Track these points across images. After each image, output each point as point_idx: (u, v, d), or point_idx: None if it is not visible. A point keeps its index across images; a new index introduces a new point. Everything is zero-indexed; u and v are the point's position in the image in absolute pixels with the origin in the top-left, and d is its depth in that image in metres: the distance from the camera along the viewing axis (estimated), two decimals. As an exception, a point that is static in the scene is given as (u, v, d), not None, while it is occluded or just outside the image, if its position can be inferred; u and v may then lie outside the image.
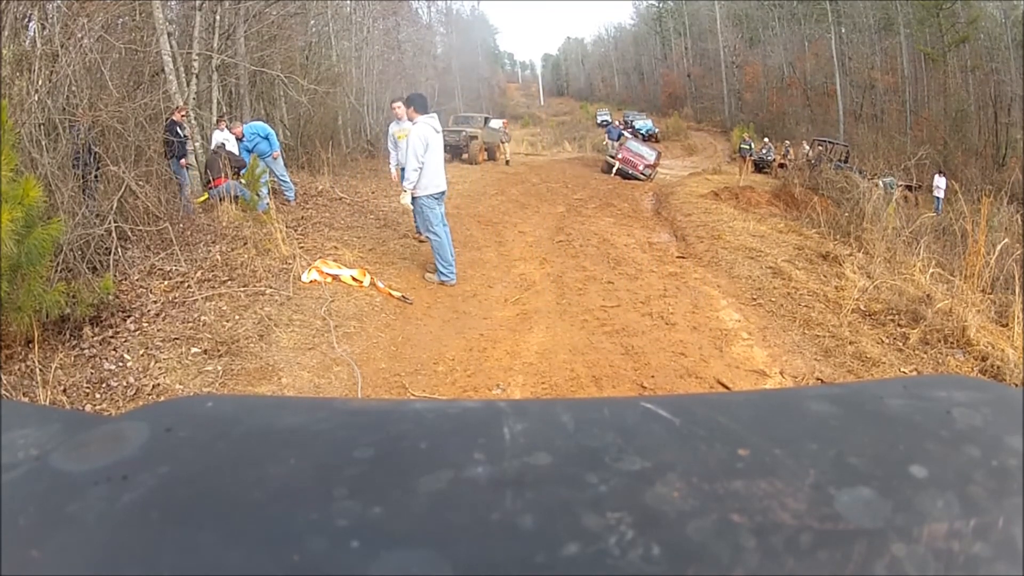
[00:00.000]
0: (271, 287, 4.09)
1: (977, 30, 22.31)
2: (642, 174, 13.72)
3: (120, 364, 3.11)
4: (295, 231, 5.52)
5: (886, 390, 0.36)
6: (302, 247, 4.97)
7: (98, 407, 2.79)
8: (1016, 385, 2.70)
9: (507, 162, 14.61)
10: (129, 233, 4.54)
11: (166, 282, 4.08)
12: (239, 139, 6.80)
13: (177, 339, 3.35)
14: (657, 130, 26.64)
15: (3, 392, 2.74)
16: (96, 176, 4.85)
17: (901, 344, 3.86)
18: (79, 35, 5.43)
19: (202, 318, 3.59)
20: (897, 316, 4.24)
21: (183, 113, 6.40)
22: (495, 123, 15.60)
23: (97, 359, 3.15)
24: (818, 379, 3.35)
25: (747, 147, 19.47)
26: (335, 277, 4.33)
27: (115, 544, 0.24)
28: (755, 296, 4.66)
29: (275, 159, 7.01)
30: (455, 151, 12.81)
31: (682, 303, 4.39)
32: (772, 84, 30.47)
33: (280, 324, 3.62)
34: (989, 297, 4.74)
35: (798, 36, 29.26)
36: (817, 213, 7.74)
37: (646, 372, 3.29)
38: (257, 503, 0.26)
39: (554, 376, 3.20)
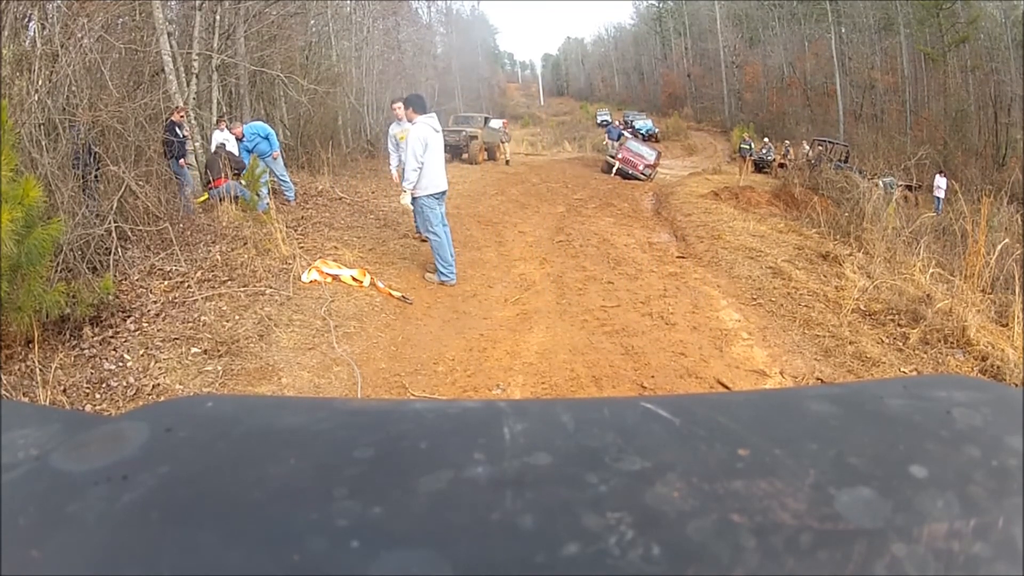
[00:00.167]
0: (271, 287, 4.09)
1: (977, 30, 22.30)
2: (642, 174, 13.72)
3: (120, 364, 3.11)
4: (295, 231, 5.52)
5: (886, 390, 0.36)
6: (302, 247, 4.97)
7: (98, 407, 2.79)
8: (1016, 385, 2.70)
9: (507, 162, 14.61)
10: (129, 233, 4.54)
11: (166, 282, 4.08)
12: (239, 139, 6.81)
13: (177, 339, 3.35)
14: (657, 130, 26.64)
15: (3, 392, 2.74)
16: (96, 176, 4.85)
17: (901, 344, 3.86)
18: (79, 35, 5.43)
19: (202, 318, 3.59)
20: (897, 316, 4.24)
21: (182, 113, 6.40)
22: (495, 123, 15.60)
23: (97, 359, 3.15)
24: (818, 379, 3.35)
25: (747, 147, 19.48)
26: (335, 277, 4.33)
27: (115, 544, 0.24)
28: (755, 296, 4.66)
29: (275, 159, 7.01)
30: (455, 151, 12.81)
31: (682, 303, 4.39)
32: (772, 84, 30.47)
33: (280, 324, 3.62)
34: (989, 297, 4.74)
35: (798, 36, 29.26)
36: (817, 213, 7.74)
37: (646, 372, 3.29)
38: (257, 503, 0.26)
39: (554, 376, 3.20)
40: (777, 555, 0.24)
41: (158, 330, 3.44)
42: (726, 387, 3.17)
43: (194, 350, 3.27)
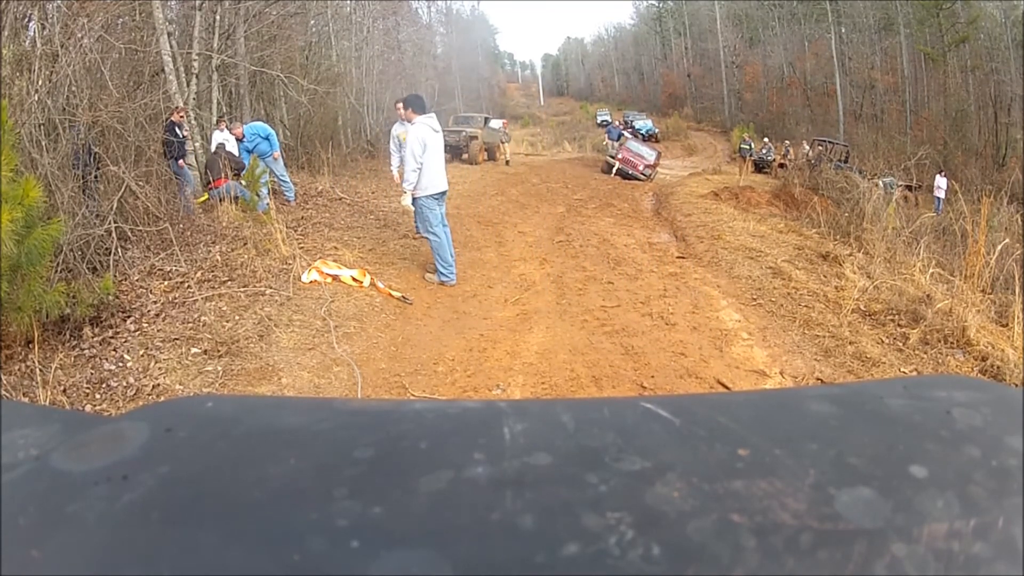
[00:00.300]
0: (271, 287, 4.09)
1: (977, 30, 22.31)
2: (642, 174, 13.72)
3: (120, 364, 3.11)
4: (295, 231, 5.53)
5: (886, 390, 0.36)
6: (302, 247, 4.98)
7: (98, 407, 2.79)
8: (1016, 385, 2.70)
9: (507, 162, 14.61)
10: (129, 233, 4.54)
11: (166, 282, 4.08)
12: (239, 140, 6.81)
13: (177, 339, 3.36)
14: (657, 130, 26.64)
15: (3, 392, 2.74)
16: (96, 176, 4.85)
17: (901, 344, 3.86)
18: (79, 35, 5.43)
19: (202, 318, 3.59)
20: (897, 316, 4.24)
21: (182, 114, 6.41)
22: (495, 123, 15.60)
23: (97, 359, 3.15)
24: (818, 379, 3.35)
25: (747, 147, 19.48)
26: (335, 277, 4.33)
27: (115, 544, 0.24)
28: (755, 296, 4.66)
29: (275, 159, 7.02)
30: (455, 151, 12.81)
31: (682, 303, 4.39)
32: (772, 84, 30.47)
33: (280, 324, 3.62)
34: (989, 297, 4.74)
35: (798, 36, 29.26)
36: (817, 213, 7.74)
37: (646, 372, 3.29)
38: (257, 503, 0.26)
39: (554, 376, 3.20)
40: (777, 555, 0.24)
41: (158, 330, 3.44)
42: (726, 387, 3.17)
43: (194, 350, 3.27)
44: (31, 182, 2.97)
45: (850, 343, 3.79)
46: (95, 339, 3.32)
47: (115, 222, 4.34)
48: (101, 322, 3.48)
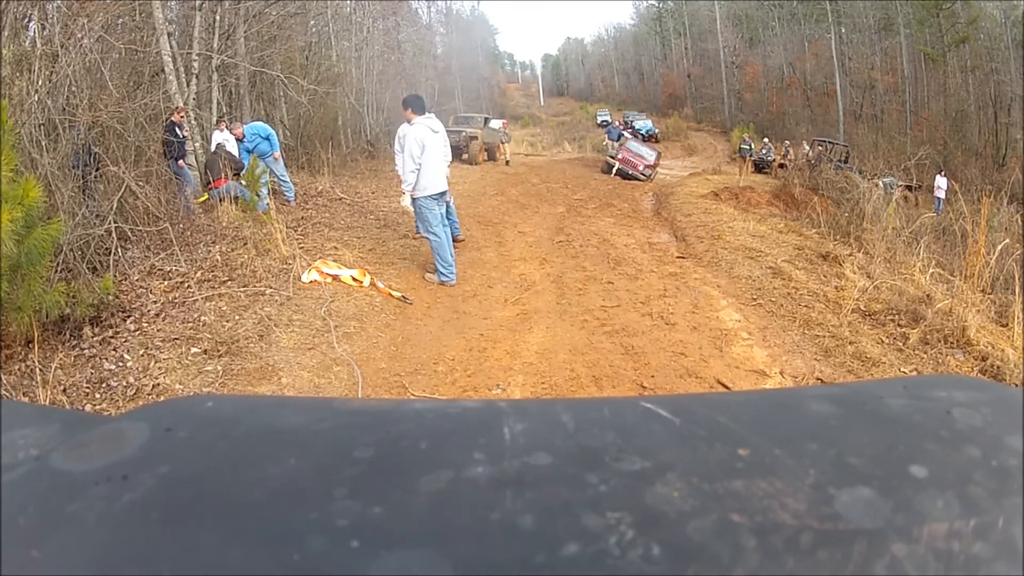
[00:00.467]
0: (271, 287, 4.09)
1: (977, 30, 22.30)
2: (642, 174, 13.72)
3: (120, 364, 3.11)
4: (295, 231, 5.53)
5: (886, 390, 0.36)
6: (302, 247, 4.98)
7: (98, 407, 2.79)
8: (1016, 385, 2.70)
9: (507, 162, 14.61)
10: (129, 233, 4.54)
11: (166, 282, 4.08)
12: (239, 140, 6.81)
13: (177, 339, 3.36)
14: (657, 130, 26.64)
15: (3, 392, 2.74)
16: (96, 176, 4.85)
17: (901, 344, 3.86)
18: (79, 35, 5.43)
19: (202, 318, 3.59)
20: (897, 316, 4.24)
21: (182, 114, 6.41)
22: (495, 123, 15.59)
23: (97, 359, 3.15)
24: (818, 379, 3.35)
25: (747, 147, 19.47)
26: (335, 277, 4.33)
27: (115, 544, 0.24)
28: (755, 296, 4.66)
29: (276, 159, 7.02)
30: (455, 151, 12.72)
31: (682, 303, 4.39)
32: (772, 84, 30.47)
33: (280, 324, 3.62)
34: (989, 297, 4.74)
35: (798, 36, 29.26)
36: (817, 213, 7.74)
37: (646, 372, 3.29)
38: (257, 503, 0.26)
39: (554, 376, 3.20)
40: (777, 555, 0.24)
41: (158, 330, 3.44)
42: (726, 387, 3.17)
43: (194, 350, 3.27)
44: (31, 182, 2.97)
45: (850, 343, 3.79)
46: (95, 339, 3.32)
47: (115, 222, 4.34)
48: (101, 322, 3.48)
